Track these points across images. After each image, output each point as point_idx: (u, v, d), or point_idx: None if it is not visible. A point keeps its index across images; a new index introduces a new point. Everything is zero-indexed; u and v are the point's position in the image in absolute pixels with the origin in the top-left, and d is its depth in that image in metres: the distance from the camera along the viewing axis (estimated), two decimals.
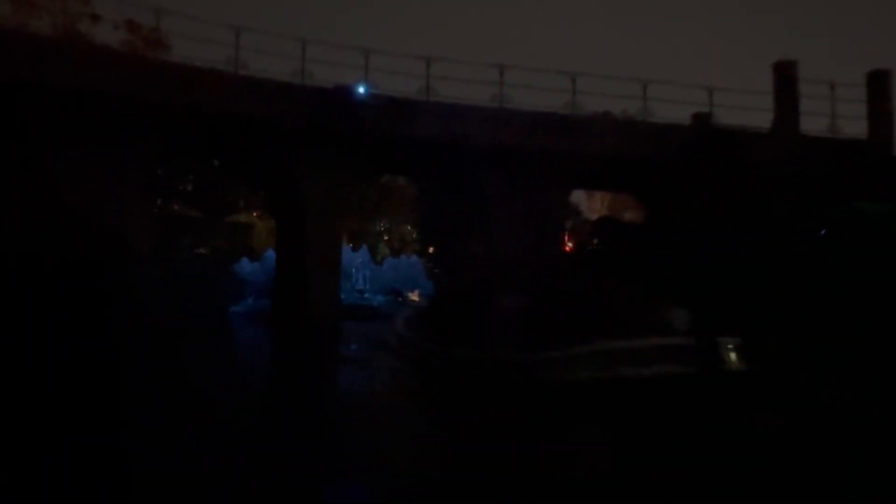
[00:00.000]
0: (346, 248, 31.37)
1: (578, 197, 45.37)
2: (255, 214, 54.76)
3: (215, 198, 54.30)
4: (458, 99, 20.49)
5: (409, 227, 58.62)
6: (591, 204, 50.12)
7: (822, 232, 18.42)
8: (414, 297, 36.83)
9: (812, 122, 22.08)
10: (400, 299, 35.93)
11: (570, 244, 28.63)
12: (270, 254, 31.40)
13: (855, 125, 22.78)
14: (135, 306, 18.69)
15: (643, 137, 20.74)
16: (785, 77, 20.81)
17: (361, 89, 19.53)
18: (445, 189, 23.71)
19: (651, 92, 21.06)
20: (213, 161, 23.49)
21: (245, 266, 38.96)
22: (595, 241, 22.35)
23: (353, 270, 36.55)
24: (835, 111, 22.39)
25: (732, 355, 12.65)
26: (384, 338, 18.11)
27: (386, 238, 56.66)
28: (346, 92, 19.48)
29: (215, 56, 18.80)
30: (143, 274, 18.44)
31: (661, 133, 20.93)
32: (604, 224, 26.51)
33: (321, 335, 19.60)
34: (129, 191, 18.64)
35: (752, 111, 21.35)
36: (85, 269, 17.71)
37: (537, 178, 21.18)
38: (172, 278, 38.43)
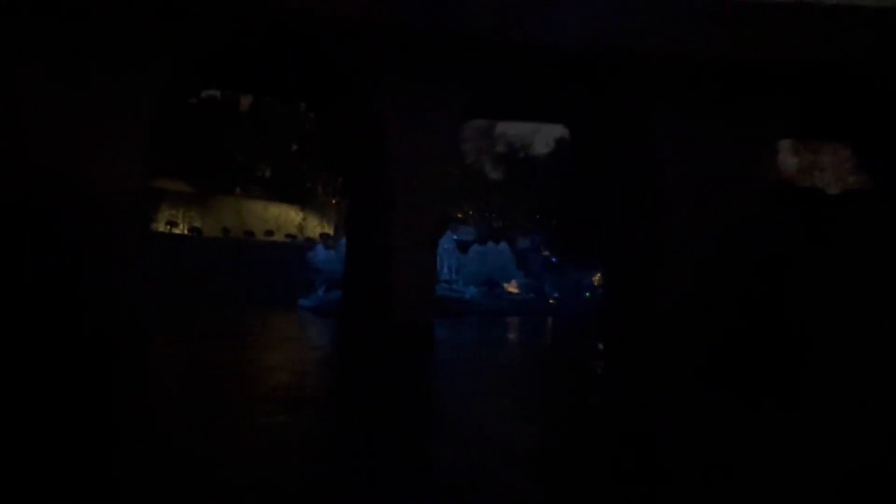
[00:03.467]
0: None
1: None
2: (333, 201, 48.17)
3: (293, 183, 48.03)
4: None
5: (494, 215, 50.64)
6: None
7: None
8: (511, 288, 28.75)
9: None
10: (497, 291, 27.97)
11: None
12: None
13: None
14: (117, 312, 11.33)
15: None
16: None
17: None
18: (589, 136, 15.45)
19: None
20: (260, 90, 15.18)
21: (319, 253, 32.13)
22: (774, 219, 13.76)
23: (438, 258, 28.98)
24: None
25: None
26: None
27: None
28: None
29: None
30: (137, 270, 11.07)
31: None
32: (790, 194, 17.86)
33: (416, 348, 11.73)
34: (118, 142, 11.27)
35: None
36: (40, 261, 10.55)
37: (733, 118, 12.78)
38: (239, 267, 31.82)
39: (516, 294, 27.81)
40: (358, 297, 15.27)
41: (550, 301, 27.23)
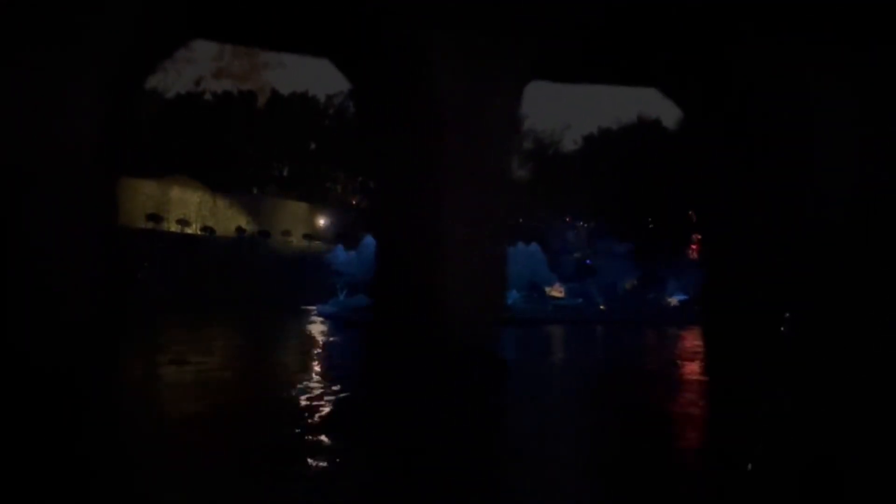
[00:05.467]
0: None
1: None
2: (352, 202, 44.74)
3: (312, 183, 44.68)
4: None
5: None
6: None
7: None
8: (556, 292, 25.07)
9: None
10: (536, 296, 24.34)
11: None
12: (369, 240, 20.63)
13: None
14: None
15: None
16: None
17: None
18: (698, 105, 11.78)
19: None
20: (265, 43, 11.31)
21: (339, 255, 28.54)
22: None
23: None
24: None
25: None
26: None
27: None
28: None
29: None
30: (92, 277, 7.57)
31: None
32: None
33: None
34: (61, 112, 7.81)
35: None
36: None
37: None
38: (253, 268, 28.45)
39: (562, 299, 24.08)
40: (391, 304, 11.64)
41: (601, 307, 23.49)
